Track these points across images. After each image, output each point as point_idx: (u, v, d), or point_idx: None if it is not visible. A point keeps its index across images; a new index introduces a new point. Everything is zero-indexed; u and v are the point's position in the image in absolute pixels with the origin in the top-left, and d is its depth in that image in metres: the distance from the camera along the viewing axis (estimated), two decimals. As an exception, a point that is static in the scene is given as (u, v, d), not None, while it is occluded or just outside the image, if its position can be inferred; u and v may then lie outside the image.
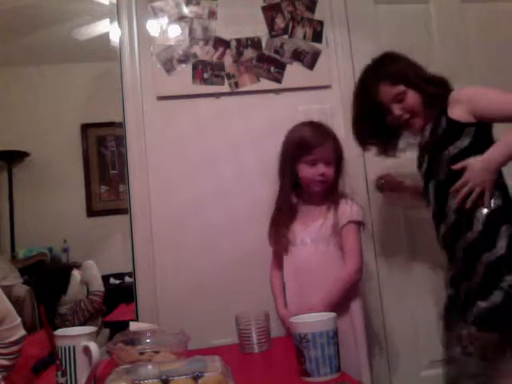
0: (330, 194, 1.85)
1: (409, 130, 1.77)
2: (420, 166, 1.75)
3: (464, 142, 1.56)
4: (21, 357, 1.68)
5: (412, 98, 1.68)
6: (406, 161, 1.93)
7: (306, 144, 1.80)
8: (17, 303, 2.79)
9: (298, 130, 1.87)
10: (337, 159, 1.83)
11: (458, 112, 1.58)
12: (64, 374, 1.15)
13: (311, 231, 1.81)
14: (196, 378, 0.94)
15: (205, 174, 2.17)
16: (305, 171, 1.81)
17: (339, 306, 1.67)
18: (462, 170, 1.54)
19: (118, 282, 4.16)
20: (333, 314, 1.19)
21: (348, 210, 1.80)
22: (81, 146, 4.71)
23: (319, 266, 1.77)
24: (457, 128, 1.58)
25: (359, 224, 1.82)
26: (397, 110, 1.69)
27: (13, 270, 3.47)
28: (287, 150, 1.86)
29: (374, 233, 2.21)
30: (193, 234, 2.14)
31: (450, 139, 1.59)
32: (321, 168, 1.79)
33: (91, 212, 4.64)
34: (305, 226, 1.83)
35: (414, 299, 2.19)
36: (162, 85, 2.19)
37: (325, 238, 1.78)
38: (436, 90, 1.66)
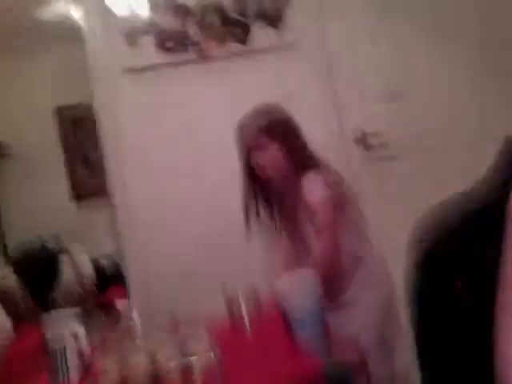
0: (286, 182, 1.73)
1: None
2: None
3: None
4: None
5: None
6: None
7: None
8: (7, 294, 2.78)
9: None
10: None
11: None
12: (56, 370, 1.15)
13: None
14: (186, 359, 0.97)
15: (181, 143, 2.15)
16: None
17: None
18: None
19: (107, 264, 4.14)
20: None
21: (308, 189, 1.63)
22: (58, 131, 4.62)
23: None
24: None
25: (328, 199, 1.61)
26: None
27: (2, 263, 3.45)
28: None
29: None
30: (175, 208, 2.13)
31: None
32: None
33: (76, 196, 4.59)
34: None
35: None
36: (127, 57, 2.15)
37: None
38: None
